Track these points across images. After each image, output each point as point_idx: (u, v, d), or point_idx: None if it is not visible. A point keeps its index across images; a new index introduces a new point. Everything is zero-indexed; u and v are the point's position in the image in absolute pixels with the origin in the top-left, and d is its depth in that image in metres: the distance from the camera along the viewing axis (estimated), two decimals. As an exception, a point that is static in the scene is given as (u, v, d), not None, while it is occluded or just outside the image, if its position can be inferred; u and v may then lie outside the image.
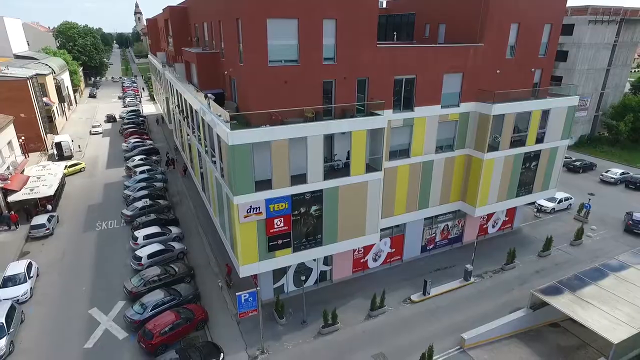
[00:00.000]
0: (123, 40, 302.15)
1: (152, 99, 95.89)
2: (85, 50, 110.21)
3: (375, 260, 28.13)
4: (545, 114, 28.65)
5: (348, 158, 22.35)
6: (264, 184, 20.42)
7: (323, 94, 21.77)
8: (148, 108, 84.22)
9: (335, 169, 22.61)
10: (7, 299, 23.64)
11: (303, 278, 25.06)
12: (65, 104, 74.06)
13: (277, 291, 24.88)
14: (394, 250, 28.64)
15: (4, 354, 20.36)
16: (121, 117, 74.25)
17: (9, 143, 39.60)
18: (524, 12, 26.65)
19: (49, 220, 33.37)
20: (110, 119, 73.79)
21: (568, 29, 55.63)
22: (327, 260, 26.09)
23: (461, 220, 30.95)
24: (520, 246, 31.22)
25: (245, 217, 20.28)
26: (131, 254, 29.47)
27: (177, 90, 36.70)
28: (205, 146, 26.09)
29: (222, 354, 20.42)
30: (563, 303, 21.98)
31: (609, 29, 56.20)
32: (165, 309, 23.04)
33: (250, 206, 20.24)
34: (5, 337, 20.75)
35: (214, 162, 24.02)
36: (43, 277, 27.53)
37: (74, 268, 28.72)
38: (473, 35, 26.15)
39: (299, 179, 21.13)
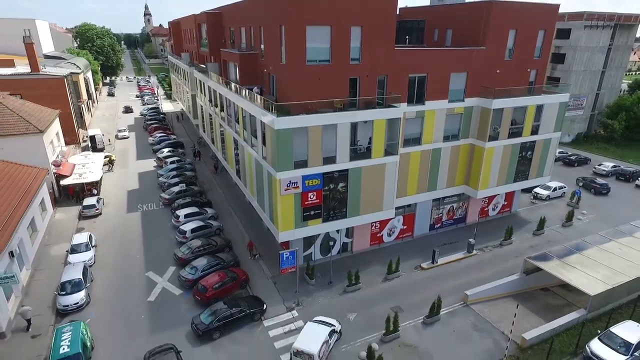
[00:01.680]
0: (131, 41, 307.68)
1: (168, 97, 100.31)
2: (102, 51, 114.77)
3: (389, 235, 32.18)
4: (540, 108, 32.64)
5: (369, 143, 26.43)
6: (299, 164, 24.50)
7: (349, 89, 25.89)
8: (166, 106, 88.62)
9: (358, 152, 26.67)
10: (78, 262, 27.81)
11: (332, 243, 28.99)
12: (90, 101, 78.48)
13: (306, 258, 28.94)
14: (405, 227, 32.69)
15: (84, 303, 24.50)
16: (142, 114, 78.73)
17: (57, 134, 43.85)
18: (520, 20, 30.71)
19: (97, 201, 37.57)
20: (128, 109, 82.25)
21: (565, 33, 59.66)
22: (349, 233, 30.16)
23: (465, 203, 34.96)
24: (517, 226, 35.19)
25: (285, 190, 24.38)
26: (174, 230, 33.64)
27: (209, 87, 40.89)
28: (244, 135, 30.21)
29: (264, 305, 24.49)
30: (551, 267, 25.97)
31: (604, 34, 60.11)
32: (213, 271, 27.15)
33: (290, 181, 24.33)
34: (84, 290, 24.89)
35: (254, 148, 28.13)
36: (100, 248, 31.67)
37: (125, 241, 32.88)
38: (476, 39, 30.23)
39: (329, 159, 25.22)
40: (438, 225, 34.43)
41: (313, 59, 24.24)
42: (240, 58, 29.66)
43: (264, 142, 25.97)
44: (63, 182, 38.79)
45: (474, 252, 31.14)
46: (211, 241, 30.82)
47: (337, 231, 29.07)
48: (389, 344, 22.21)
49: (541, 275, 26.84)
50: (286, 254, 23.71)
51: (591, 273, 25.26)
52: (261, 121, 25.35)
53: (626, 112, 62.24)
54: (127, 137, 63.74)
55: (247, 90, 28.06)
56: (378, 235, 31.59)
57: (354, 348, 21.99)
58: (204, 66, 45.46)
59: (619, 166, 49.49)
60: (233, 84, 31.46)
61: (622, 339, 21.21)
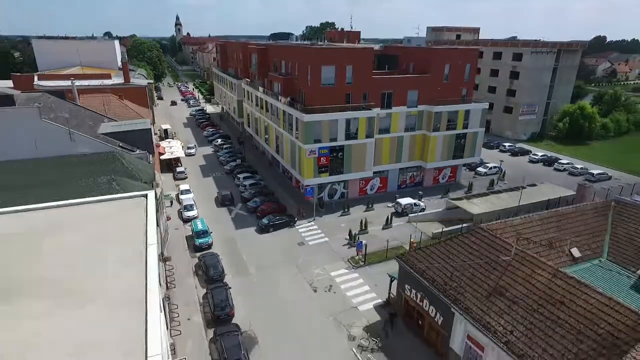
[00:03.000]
0: (161, 47, 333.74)
1: (207, 101, 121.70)
2: (152, 61, 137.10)
3: (371, 190, 51.73)
4: (467, 112, 51.84)
5: (357, 131, 46.12)
6: (316, 141, 44.28)
7: (345, 99, 45.64)
8: (208, 108, 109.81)
9: (350, 136, 46.30)
10: (188, 198, 48.10)
11: (335, 191, 48.72)
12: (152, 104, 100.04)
13: (319, 199, 48.70)
14: (381, 185, 52.18)
15: (197, 214, 44.72)
16: (192, 114, 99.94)
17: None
18: (452, 58, 50.11)
19: (184, 170, 58.13)
20: (173, 103, 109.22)
21: (519, 56, 78.46)
22: (345, 186, 49.81)
23: (422, 172, 54.30)
24: (457, 189, 54.32)
25: (308, 155, 44.23)
26: (239, 186, 53.84)
27: (257, 96, 61.12)
28: (284, 125, 50.23)
29: (295, 218, 44.33)
30: (460, 202, 45.19)
31: (549, 57, 78.63)
32: (265, 202, 47.10)
33: (311, 150, 44.17)
34: (195, 209, 45.19)
35: (290, 132, 48.11)
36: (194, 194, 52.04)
37: (208, 192, 53.20)
38: (426, 69, 49.72)
39: (333, 139, 44.98)
40: (403, 186, 53.82)
41: (325, 83, 44.12)
42: (283, 80, 49.73)
43: (296, 129, 45.90)
44: (162, 157, 59.47)
45: (422, 200, 50.44)
46: (262, 190, 50.88)
47: (338, 184, 48.78)
48: (362, 235, 41.75)
49: (457, 210, 45.97)
50: (309, 188, 43.62)
51: (481, 205, 44.41)
52: (295, 117, 45.31)
53: (569, 117, 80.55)
54: (194, 155, 69.66)
55: (288, 99, 48.14)
56: (363, 189, 51.17)
57: (345, 235, 41.64)
58: (249, 80, 65.93)
59: (545, 155, 68.12)
60: (278, 96, 51.65)
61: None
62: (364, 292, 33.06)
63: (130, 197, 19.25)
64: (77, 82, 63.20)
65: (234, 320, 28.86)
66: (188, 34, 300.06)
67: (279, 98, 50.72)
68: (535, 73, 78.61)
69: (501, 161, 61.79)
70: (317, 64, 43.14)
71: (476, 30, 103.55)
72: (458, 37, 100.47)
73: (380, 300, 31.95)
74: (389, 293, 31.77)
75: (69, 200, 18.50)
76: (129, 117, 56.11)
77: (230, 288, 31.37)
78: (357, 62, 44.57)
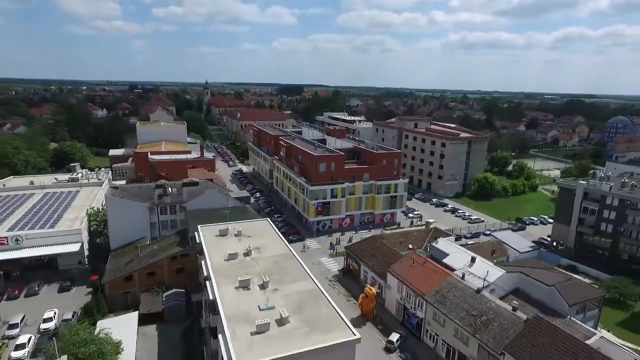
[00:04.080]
0: (188, 104, 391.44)
1: (241, 161, 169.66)
2: (198, 129, 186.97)
3: (344, 224, 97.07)
4: (396, 185, 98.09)
5: (336, 195, 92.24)
6: (316, 198, 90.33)
7: (330, 178, 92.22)
8: (241, 166, 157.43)
9: (333, 196, 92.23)
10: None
11: (325, 225, 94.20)
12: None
13: (317, 229, 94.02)
14: (350, 222, 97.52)
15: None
16: (234, 173, 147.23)
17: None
18: (387, 157, 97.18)
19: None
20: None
21: (444, 145, 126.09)
22: (331, 221, 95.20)
23: (373, 215, 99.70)
24: (391, 225, 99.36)
25: (312, 205, 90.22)
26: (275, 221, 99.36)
27: (283, 170, 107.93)
28: (299, 188, 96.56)
29: (304, 237, 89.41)
30: (387, 230, 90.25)
31: (464, 145, 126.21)
32: (290, 229, 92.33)
33: (313, 203, 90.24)
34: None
35: (302, 192, 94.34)
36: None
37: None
38: (373, 162, 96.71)
39: (324, 198, 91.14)
40: (363, 223, 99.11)
41: (320, 170, 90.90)
42: (299, 166, 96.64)
43: (306, 192, 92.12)
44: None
45: (374, 231, 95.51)
46: (287, 222, 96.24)
47: (327, 220, 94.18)
48: (337, 245, 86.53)
49: (384, 233, 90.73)
50: (312, 222, 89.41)
51: (392, 232, 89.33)
52: (305, 186, 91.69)
53: (478, 182, 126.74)
54: None
55: (301, 177, 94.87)
56: (340, 223, 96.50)
57: (328, 245, 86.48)
58: (278, 159, 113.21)
59: (454, 207, 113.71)
60: (294, 172, 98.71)
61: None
62: (334, 266, 77.64)
63: (259, 220, 64.64)
64: (174, 156, 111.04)
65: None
66: (214, 94, 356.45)
67: (297, 175, 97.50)
68: (455, 155, 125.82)
69: (418, 210, 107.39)
70: (317, 162, 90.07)
71: (428, 120, 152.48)
72: (416, 125, 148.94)
73: (339, 268, 76.50)
74: (344, 264, 76.47)
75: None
76: (217, 180, 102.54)
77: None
78: (336, 161, 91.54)
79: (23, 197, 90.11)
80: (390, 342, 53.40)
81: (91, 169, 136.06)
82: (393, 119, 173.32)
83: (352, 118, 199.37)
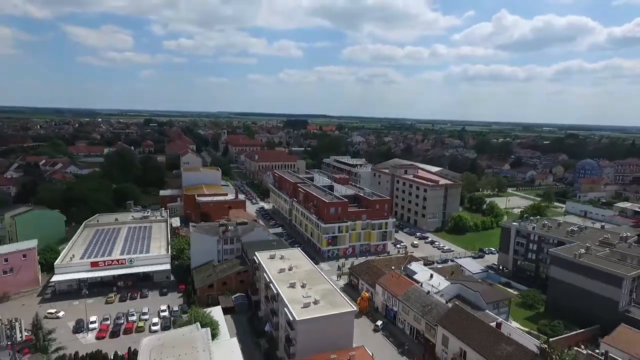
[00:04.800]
0: (205, 140, 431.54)
1: (261, 199, 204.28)
2: (224, 170, 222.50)
3: (349, 253, 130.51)
4: (386, 223, 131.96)
5: (341, 230, 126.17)
6: (327, 233, 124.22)
7: (338, 218, 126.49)
8: (264, 205, 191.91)
9: (340, 231, 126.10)
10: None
11: (335, 252, 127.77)
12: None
13: (327, 255, 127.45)
14: (352, 250, 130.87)
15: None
16: (257, 210, 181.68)
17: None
18: (379, 203, 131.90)
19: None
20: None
21: (426, 190, 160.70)
22: (338, 250, 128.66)
23: (369, 246, 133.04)
24: (383, 253, 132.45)
25: (324, 238, 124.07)
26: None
27: (301, 210, 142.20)
28: (313, 224, 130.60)
29: (319, 262, 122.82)
30: (377, 258, 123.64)
31: (442, 190, 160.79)
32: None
33: (325, 236, 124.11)
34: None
35: (317, 228, 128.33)
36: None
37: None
38: (369, 206, 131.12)
39: (333, 233, 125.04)
40: (362, 252, 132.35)
41: (330, 212, 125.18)
42: (314, 209, 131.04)
43: (319, 228, 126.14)
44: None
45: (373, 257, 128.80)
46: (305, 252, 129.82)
47: (335, 249, 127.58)
48: (342, 267, 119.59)
49: (374, 259, 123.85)
50: (324, 251, 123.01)
51: (381, 258, 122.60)
52: (319, 224, 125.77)
53: (454, 220, 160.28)
54: None
55: (315, 217, 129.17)
56: (345, 252, 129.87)
57: (336, 267, 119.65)
58: (297, 201, 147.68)
59: (433, 239, 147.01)
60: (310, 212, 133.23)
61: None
62: (340, 282, 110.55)
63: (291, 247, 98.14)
64: (215, 198, 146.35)
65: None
66: (229, 133, 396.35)
67: (312, 215, 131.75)
68: (435, 198, 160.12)
69: (404, 243, 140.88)
70: (328, 206, 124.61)
71: (416, 168, 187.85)
72: (405, 171, 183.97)
73: (344, 283, 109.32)
74: (348, 280, 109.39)
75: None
76: (246, 217, 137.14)
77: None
78: (342, 205, 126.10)
79: (114, 230, 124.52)
80: (377, 326, 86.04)
81: (143, 206, 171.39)
82: (390, 162, 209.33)
83: (354, 162, 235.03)
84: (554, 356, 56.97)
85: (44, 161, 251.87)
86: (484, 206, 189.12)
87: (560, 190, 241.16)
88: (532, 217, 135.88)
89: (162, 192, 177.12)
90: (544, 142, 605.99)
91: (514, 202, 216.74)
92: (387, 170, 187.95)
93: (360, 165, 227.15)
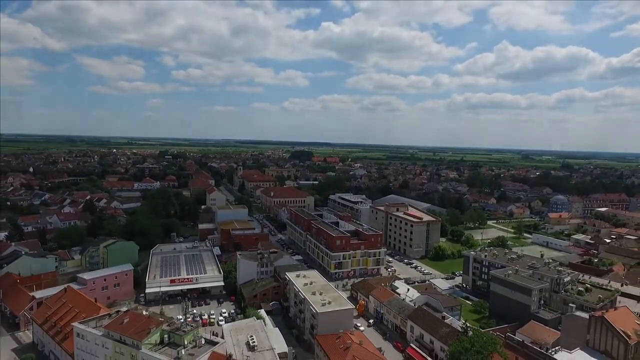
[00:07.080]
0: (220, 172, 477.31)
1: (279, 232, 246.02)
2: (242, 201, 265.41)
3: (350, 275, 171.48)
4: (379, 251, 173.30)
5: (345, 258, 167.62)
6: (334, 260, 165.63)
7: (343, 249, 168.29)
8: (282, 237, 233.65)
9: (344, 259, 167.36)
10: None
11: (340, 273, 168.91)
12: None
13: (336, 275, 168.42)
14: (353, 273, 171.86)
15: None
16: (277, 241, 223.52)
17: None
18: (373, 237, 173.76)
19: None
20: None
21: (412, 224, 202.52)
22: (342, 272, 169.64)
23: (365, 270, 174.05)
24: (376, 275, 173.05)
25: (332, 263, 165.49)
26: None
27: (314, 242, 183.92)
28: (326, 254, 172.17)
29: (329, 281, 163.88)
30: (367, 279, 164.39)
31: (424, 226, 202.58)
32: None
33: (332, 262, 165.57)
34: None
35: (327, 256, 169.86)
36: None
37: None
38: (366, 239, 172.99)
39: (339, 260, 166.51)
40: (361, 274, 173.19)
41: (337, 244, 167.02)
42: (325, 242, 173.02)
43: (329, 256, 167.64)
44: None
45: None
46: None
47: (341, 271, 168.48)
48: (347, 285, 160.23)
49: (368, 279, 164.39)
50: (332, 273, 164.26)
51: (374, 279, 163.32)
52: (328, 252, 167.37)
53: (435, 248, 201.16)
54: None
55: (325, 247, 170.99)
56: (348, 274, 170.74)
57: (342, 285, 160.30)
58: (311, 234, 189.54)
59: (417, 265, 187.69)
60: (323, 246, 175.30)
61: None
62: (344, 295, 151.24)
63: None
64: (246, 232, 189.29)
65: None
66: (244, 169, 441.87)
67: (323, 245, 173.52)
68: (419, 232, 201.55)
69: (392, 266, 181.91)
70: (335, 239, 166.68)
71: (406, 206, 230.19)
72: (397, 209, 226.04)
73: (346, 296, 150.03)
74: (350, 294, 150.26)
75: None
76: (273, 247, 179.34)
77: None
78: (345, 239, 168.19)
79: (175, 257, 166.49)
80: (370, 323, 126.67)
81: (184, 237, 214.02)
82: (386, 199, 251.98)
83: (355, 199, 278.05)
84: (469, 332, 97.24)
85: (89, 197, 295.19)
86: (463, 238, 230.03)
87: (531, 223, 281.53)
88: (491, 247, 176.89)
89: (200, 226, 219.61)
90: (537, 173, 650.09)
91: (491, 234, 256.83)
92: (382, 208, 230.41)
93: (361, 202, 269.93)
